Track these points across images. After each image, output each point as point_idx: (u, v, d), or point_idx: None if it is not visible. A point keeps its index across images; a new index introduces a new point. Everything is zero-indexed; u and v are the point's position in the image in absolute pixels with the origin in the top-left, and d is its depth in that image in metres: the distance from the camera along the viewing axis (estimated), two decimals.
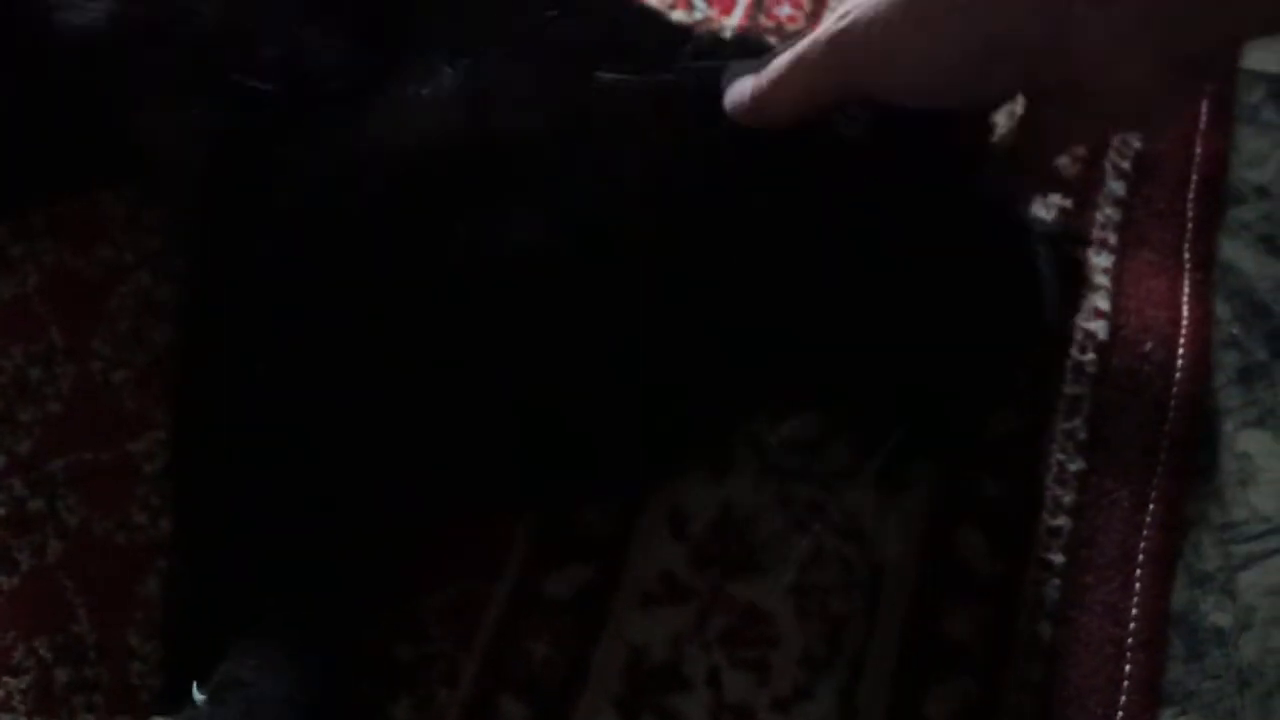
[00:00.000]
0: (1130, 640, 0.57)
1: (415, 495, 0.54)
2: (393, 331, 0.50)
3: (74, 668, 0.55)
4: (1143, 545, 0.58)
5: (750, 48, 0.53)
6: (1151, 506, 0.59)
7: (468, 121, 0.51)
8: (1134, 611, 0.57)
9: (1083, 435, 0.60)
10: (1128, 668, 0.56)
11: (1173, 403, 0.60)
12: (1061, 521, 0.58)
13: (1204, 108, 0.69)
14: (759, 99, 0.49)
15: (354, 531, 0.53)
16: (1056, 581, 0.58)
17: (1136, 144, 0.68)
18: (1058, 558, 0.58)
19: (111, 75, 0.55)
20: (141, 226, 0.65)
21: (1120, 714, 0.55)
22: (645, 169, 0.50)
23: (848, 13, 0.46)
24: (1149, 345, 0.61)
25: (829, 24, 0.47)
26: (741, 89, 0.50)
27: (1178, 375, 0.61)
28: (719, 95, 0.50)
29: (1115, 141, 0.67)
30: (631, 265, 0.50)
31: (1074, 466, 0.60)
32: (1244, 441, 0.61)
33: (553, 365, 0.50)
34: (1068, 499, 0.59)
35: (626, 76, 0.50)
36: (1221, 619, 0.57)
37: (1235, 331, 0.63)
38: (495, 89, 0.51)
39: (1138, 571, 0.58)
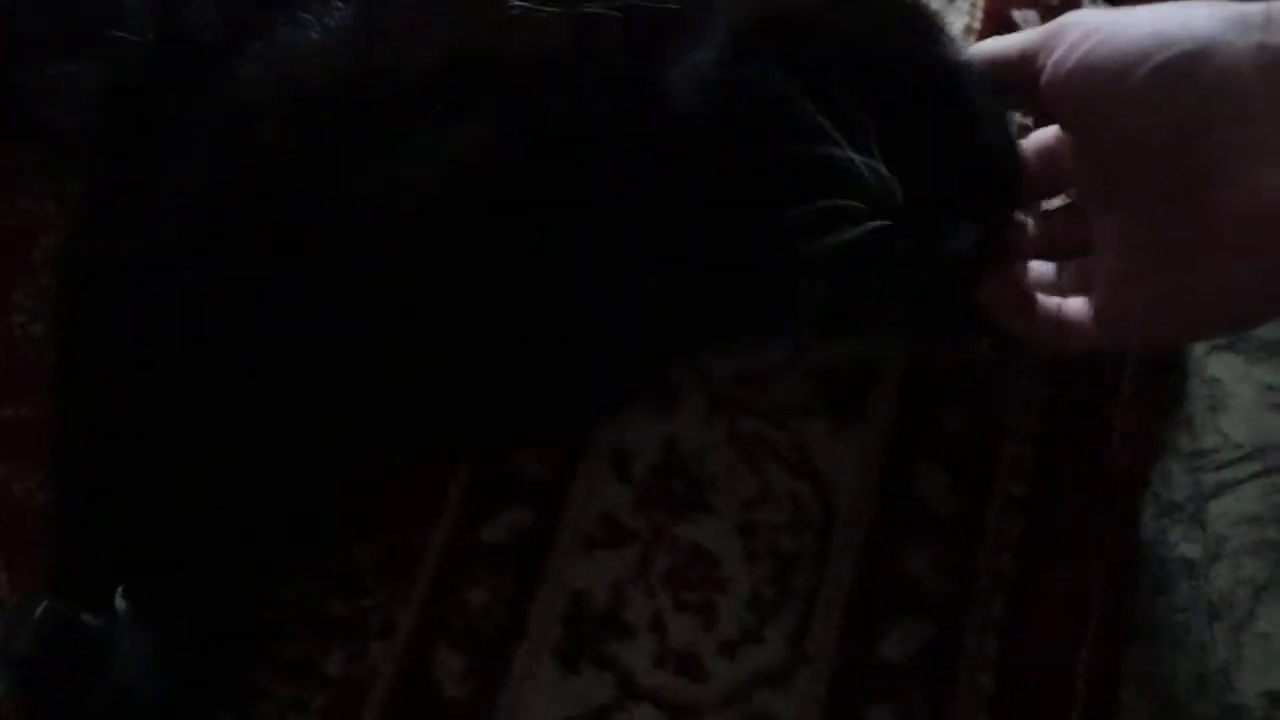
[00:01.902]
0: (1096, 574, 0.54)
1: (341, 443, 0.51)
2: (296, 280, 0.47)
3: None
4: (1108, 475, 0.56)
5: None
6: (1116, 435, 0.56)
7: (358, 62, 0.48)
8: (1100, 544, 0.55)
9: (1044, 361, 0.57)
10: (1093, 601, 0.54)
11: None
12: (1024, 451, 0.56)
13: None
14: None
15: (276, 488, 0.50)
16: (1019, 515, 0.55)
17: None
18: (1020, 490, 0.55)
19: None
20: (63, 176, 0.62)
21: (1085, 650, 0.53)
22: (566, 103, 0.47)
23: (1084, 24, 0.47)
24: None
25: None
26: None
27: None
28: (651, 30, 0.47)
29: None
30: (556, 200, 0.47)
31: (1037, 391, 0.57)
32: (1214, 366, 0.58)
33: (469, 305, 0.47)
34: (1031, 429, 0.56)
35: (542, 7, 0.47)
36: (1191, 550, 0.55)
37: None
38: (388, 25, 0.48)
39: (1104, 503, 0.55)
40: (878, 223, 0.44)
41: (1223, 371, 0.58)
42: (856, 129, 0.44)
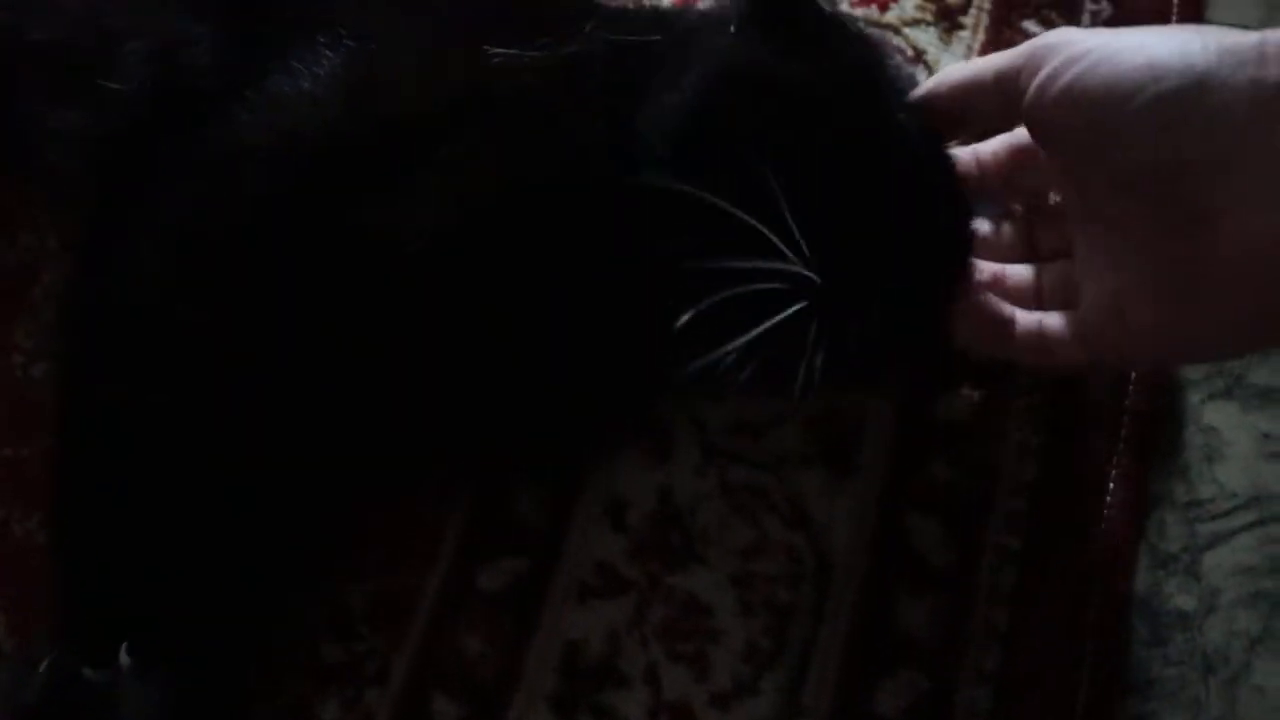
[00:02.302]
0: (1090, 627, 0.54)
1: (338, 482, 0.52)
2: (286, 324, 0.48)
3: None
4: (1104, 526, 0.56)
5: (664, 23, 0.50)
6: (1112, 485, 0.56)
7: (347, 111, 0.48)
8: (1093, 597, 0.55)
9: (1042, 411, 0.57)
10: (1087, 655, 0.54)
11: (1134, 375, 0.57)
12: (1020, 504, 0.56)
13: None
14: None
15: (275, 530, 0.51)
16: (1013, 567, 0.55)
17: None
18: (1014, 542, 0.55)
19: None
20: (65, 214, 0.62)
21: (1079, 704, 0.53)
22: (551, 143, 0.47)
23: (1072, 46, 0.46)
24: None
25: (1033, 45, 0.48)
26: None
27: None
28: (633, 68, 0.47)
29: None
30: (543, 240, 0.47)
31: (1034, 443, 0.57)
32: (1210, 414, 0.58)
33: (453, 344, 0.48)
34: (1025, 477, 0.56)
35: (521, 52, 0.47)
36: (1185, 602, 0.55)
37: None
38: (377, 74, 0.49)
39: (1097, 555, 0.55)
40: (794, 307, 0.44)
41: (1219, 420, 0.58)
42: (786, 202, 0.44)
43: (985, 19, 0.65)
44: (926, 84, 0.51)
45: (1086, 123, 0.45)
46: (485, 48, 0.47)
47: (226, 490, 0.49)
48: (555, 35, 0.48)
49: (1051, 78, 0.45)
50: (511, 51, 0.48)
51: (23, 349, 0.59)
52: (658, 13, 0.52)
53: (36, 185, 0.61)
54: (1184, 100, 0.42)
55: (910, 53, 0.64)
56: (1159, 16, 0.64)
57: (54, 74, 0.52)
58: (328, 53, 0.48)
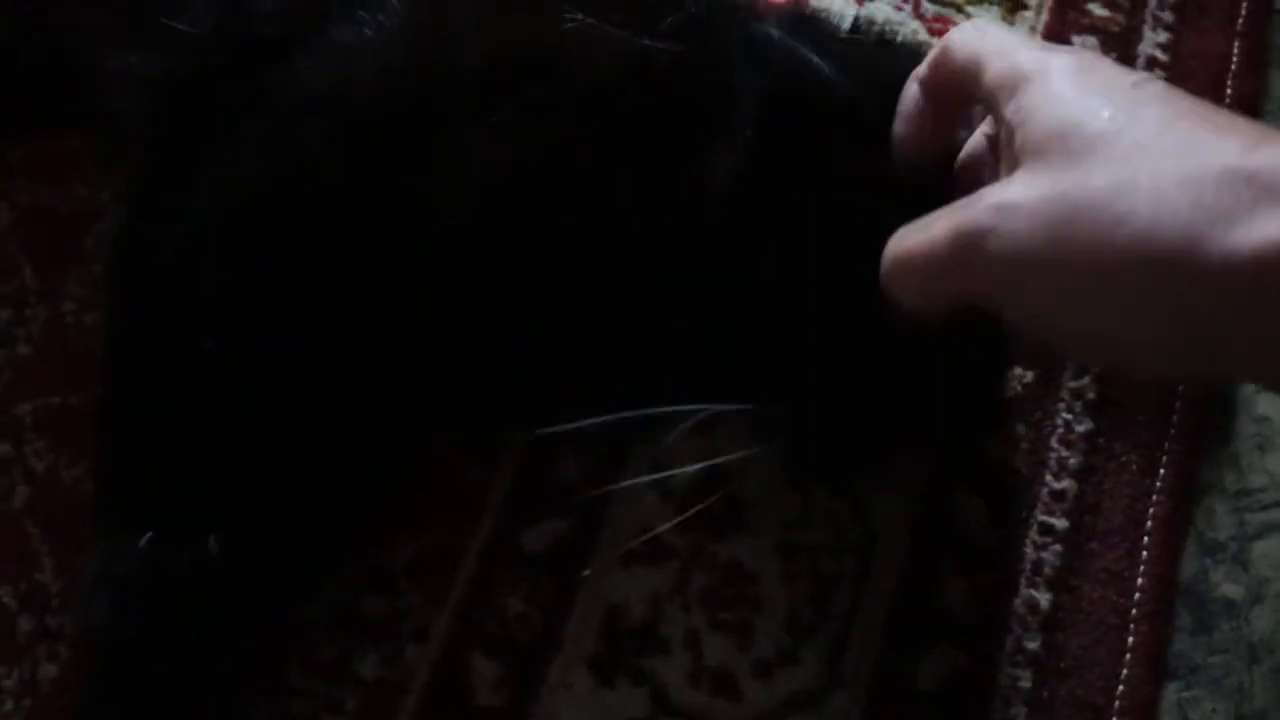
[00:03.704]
0: (1135, 611, 0.54)
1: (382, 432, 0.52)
2: (345, 276, 0.48)
3: (37, 616, 0.54)
4: (1151, 511, 0.56)
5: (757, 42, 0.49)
6: (1162, 471, 0.56)
7: (408, 61, 0.48)
8: (1140, 581, 0.54)
9: (1091, 394, 0.57)
10: (1131, 640, 0.53)
11: None
12: (1066, 485, 0.56)
13: (1235, 48, 0.65)
14: (885, 274, 0.41)
15: (320, 480, 0.51)
16: (1058, 548, 0.55)
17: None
18: (1061, 523, 0.55)
19: (57, 19, 0.53)
20: (117, 163, 0.63)
21: (1121, 688, 0.53)
22: (607, 123, 0.47)
23: (991, 205, 0.37)
24: None
25: (971, 207, 0.38)
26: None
27: None
28: (706, 75, 0.47)
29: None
30: (599, 211, 0.47)
31: (1081, 427, 0.57)
32: (1264, 404, 0.58)
33: (512, 305, 0.48)
34: (1073, 461, 0.56)
35: (599, 22, 0.47)
36: (1232, 590, 0.55)
37: None
38: (441, 26, 0.49)
39: (1145, 539, 0.55)
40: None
41: (1272, 410, 0.58)
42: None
43: None
44: (950, 38, 0.44)
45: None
46: (562, 12, 0.47)
47: (267, 446, 0.49)
48: (639, 17, 0.47)
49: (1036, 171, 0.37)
50: (588, 20, 0.47)
51: (74, 297, 0.59)
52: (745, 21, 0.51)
53: (92, 132, 0.61)
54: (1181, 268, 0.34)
55: None
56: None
57: (119, 13, 0.51)
58: (394, 2, 0.48)
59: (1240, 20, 0.65)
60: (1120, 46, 0.65)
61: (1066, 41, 0.65)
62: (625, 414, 0.47)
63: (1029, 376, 0.57)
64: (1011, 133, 0.38)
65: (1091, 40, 0.66)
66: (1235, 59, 0.65)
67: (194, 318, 0.49)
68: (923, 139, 0.45)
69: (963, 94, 0.43)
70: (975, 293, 0.39)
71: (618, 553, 0.53)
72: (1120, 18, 0.66)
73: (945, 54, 0.43)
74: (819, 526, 0.54)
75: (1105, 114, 0.36)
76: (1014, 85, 0.38)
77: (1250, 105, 0.64)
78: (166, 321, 0.50)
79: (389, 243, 0.48)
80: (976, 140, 0.46)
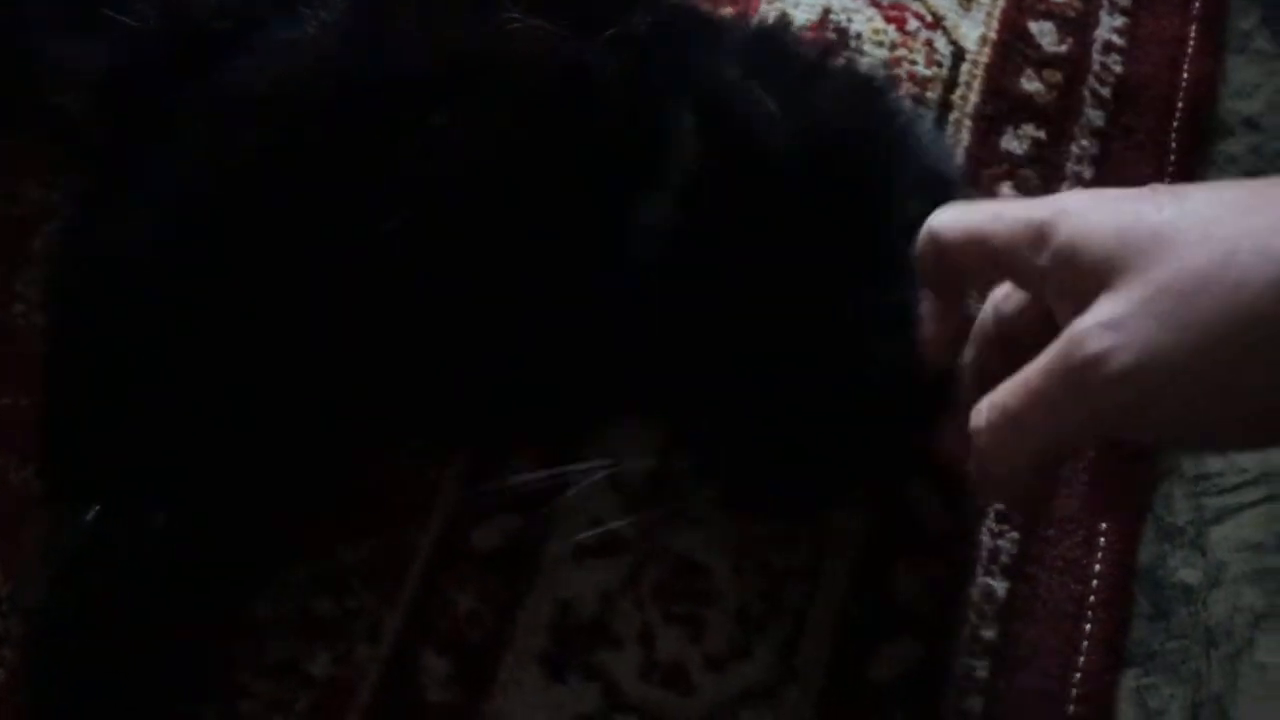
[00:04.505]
0: (1092, 598, 0.54)
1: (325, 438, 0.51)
2: (285, 278, 0.47)
3: None
4: (1109, 497, 0.55)
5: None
6: (1119, 456, 0.55)
7: (350, 62, 0.47)
8: (1097, 568, 0.54)
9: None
10: (1088, 627, 0.53)
11: None
12: None
13: (1192, 32, 0.64)
14: (985, 448, 0.38)
15: (266, 463, 0.50)
16: (1015, 535, 0.54)
17: (1118, 69, 0.63)
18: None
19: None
20: (70, 167, 0.62)
21: (1078, 676, 0.52)
22: (549, 130, 0.46)
23: (1095, 327, 0.35)
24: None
25: (1073, 338, 0.35)
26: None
27: None
28: (654, 81, 0.46)
29: (1094, 65, 0.63)
30: (536, 214, 0.46)
31: None
32: None
33: (457, 305, 0.47)
34: None
35: (542, 24, 0.46)
36: (1190, 576, 0.54)
37: None
38: (383, 25, 0.48)
39: (1102, 525, 0.55)
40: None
41: None
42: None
43: None
44: (931, 224, 0.42)
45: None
46: (507, 12, 0.46)
47: (210, 447, 0.48)
48: (587, 23, 0.47)
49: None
50: (534, 21, 0.47)
51: (24, 298, 0.59)
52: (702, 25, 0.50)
53: (42, 134, 0.61)
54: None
55: (929, 19, 0.63)
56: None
57: (63, 5, 0.51)
58: (336, 0, 0.48)
59: (1196, 4, 0.65)
60: (1077, 31, 0.65)
61: (1023, 27, 0.65)
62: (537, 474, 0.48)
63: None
64: (1060, 276, 0.37)
65: (1049, 26, 0.65)
66: (1191, 42, 0.64)
67: (139, 313, 0.49)
68: (936, 328, 0.44)
69: (962, 277, 0.42)
70: (1098, 425, 0.37)
71: (588, 536, 0.53)
72: (1077, 2, 0.66)
73: (934, 243, 0.41)
74: (773, 520, 0.54)
75: (1157, 209, 0.35)
76: (1036, 237, 0.37)
77: (1207, 89, 0.64)
78: (112, 316, 0.50)
79: (325, 242, 0.48)
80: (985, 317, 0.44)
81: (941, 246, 0.41)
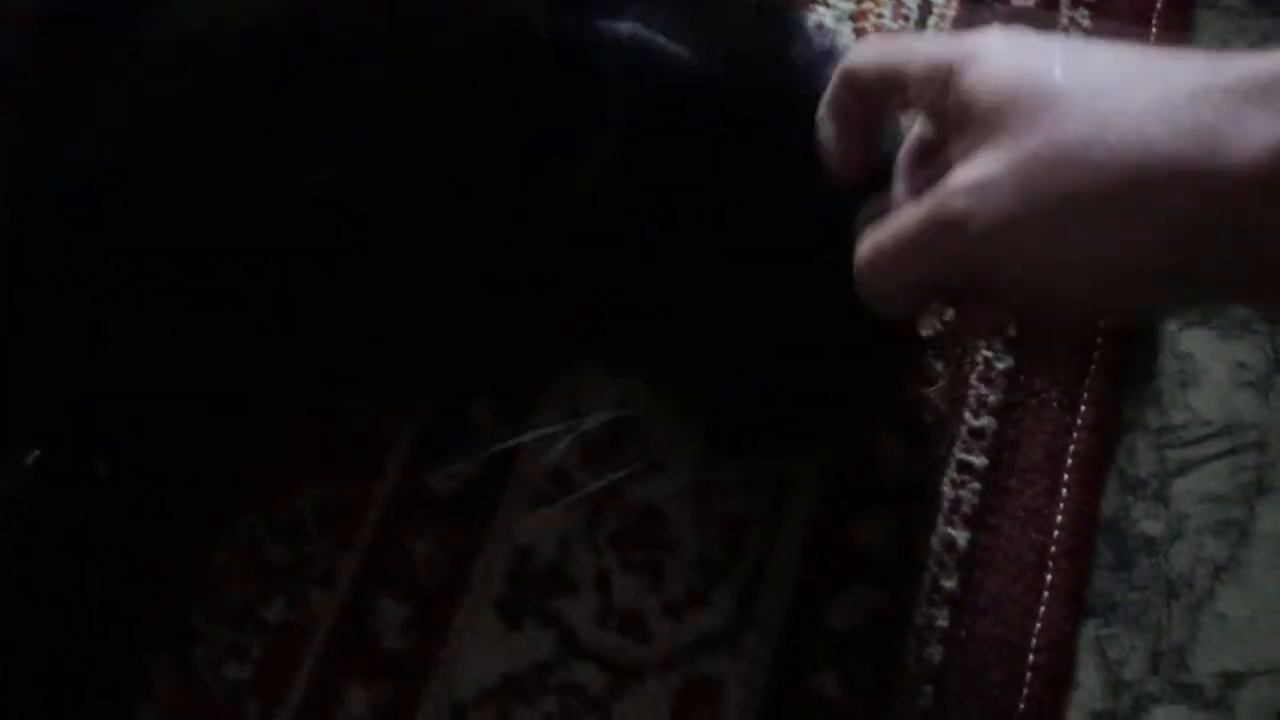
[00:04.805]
0: (1054, 549, 0.53)
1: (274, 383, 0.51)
2: (222, 222, 0.46)
3: None
4: (1072, 449, 0.55)
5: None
6: (1083, 408, 0.55)
7: (282, 9, 0.47)
8: (1059, 518, 0.54)
9: (1010, 330, 0.56)
10: (1049, 577, 0.53)
11: None
12: (985, 422, 0.55)
13: None
14: (860, 274, 0.40)
15: (209, 406, 0.50)
16: (977, 485, 0.54)
17: (1086, 23, 0.63)
18: (979, 460, 0.54)
19: None
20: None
21: (1039, 626, 0.52)
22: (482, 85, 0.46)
23: (961, 189, 0.36)
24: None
25: (942, 195, 0.36)
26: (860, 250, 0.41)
27: None
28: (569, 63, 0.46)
29: (1063, 20, 0.63)
30: (469, 163, 0.46)
31: (1001, 364, 0.56)
32: (1186, 341, 0.57)
33: (400, 251, 0.46)
34: (993, 398, 0.55)
35: None
36: (1152, 527, 0.54)
37: None
38: None
39: (1065, 476, 0.54)
40: None
41: (1195, 347, 0.57)
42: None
43: None
44: (848, 59, 0.43)
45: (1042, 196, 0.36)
46: None
47: (152, 390, 0.48)
48: None
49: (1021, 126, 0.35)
50: None
51: None
52: None
53: None
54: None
55: None
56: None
57: None
58: None
59: None
60: None
61: None
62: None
63: (948, 314, 0.56)
64: (958, 120, 0.37)
65: None
66: None
67: (77, 255, 0.48)
68: (843, 159, 0.44)
69: (879, 108, 0.42)
70: (960, 277, 0.39)
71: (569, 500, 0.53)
72: None
73: (852, 73, 0.42)
74: (731, 467, 0.53)
75: (1054, 71, 0.35)
76: (945, 76, 0.37)
77: (1176, 43, 0.63)
78: (50, 259, 0.49)
79: (263, 187, 0.47)
80: (908, 148, 0.44)
81: (855, 80, 0.42)
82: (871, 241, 0.40)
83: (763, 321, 0.46)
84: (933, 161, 0.40)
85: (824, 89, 0.43)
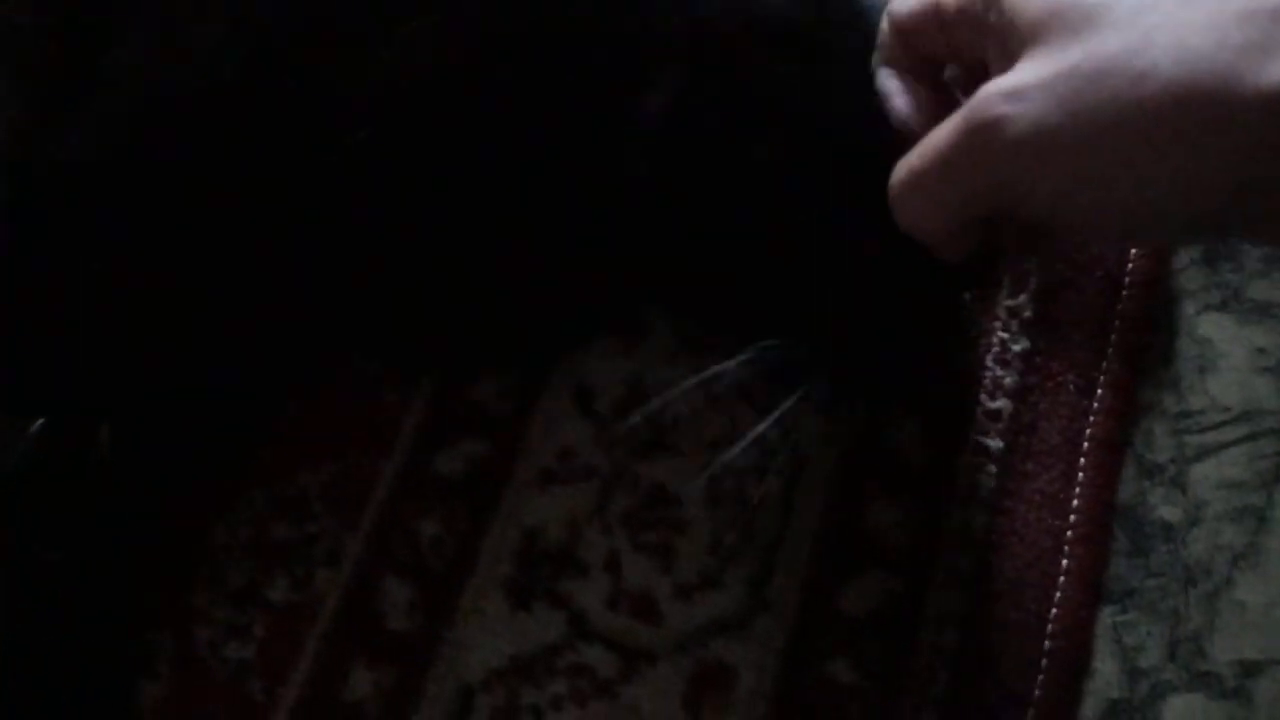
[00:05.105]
0: (1070, 533, 0.52)
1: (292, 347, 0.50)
2: (247, 188, 0.45)
3: None
4: (1089, 432, 0.54)
5: None
6: (1100, 391, 0.54)
7: None
8: (1076, 503, 0.53)
9: (1028, 313, 0.55)
10: (1065, 562, 0.52)
11: (1127, 280, 0.55)
12: (1001, 404, 0.54)
13: None
14: (895, 197, 0.39)
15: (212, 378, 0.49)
16: (993, 469, 0.53)
17: None
18: (996, 443, 0.53)
19: None
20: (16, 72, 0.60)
21: (1055, 611, 0.51)
22: (525, 46, 0.45)
23: (999, 94, 0.35)
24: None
25: (978, 101, 0.36)
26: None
27: (1133, 251, 0.56)
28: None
29: None
30: (502, 127, 0.45)
31: (1018, 346, 0.55)
32: (1205, 326, 0.56)
33: (426, 217, 0.45)
34: (1009, 381, 0.54)
35: None
36: (1170, 513, 0.53)
37: None
38: None
39: (1082, 460, 0.53)
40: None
41: (1214, 332, 0.56)
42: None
43: None
44: (891, 5, 0.43)
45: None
46: None
47: (157, 360, 0.47)
48: None
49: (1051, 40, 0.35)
50: None
51: None
52: None
53: None
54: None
55: None
56: None
57: None
58: None
59: None
60: None
61: None
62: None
63: (965, 296, 0.55)
64: (1000, 36, 0.37)
65: None
66: None
67: (88, 221, 0.47)
68: (902, 111, 0.43)
69: (928, 54, 0.42)
70: (995, 191, 0.37)
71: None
72: None
73: (891, 24, 0.42)
74: (745, 448, 0.52)
75: None
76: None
77: None
78: (59, 225, 0.48)
79: (290, 149, 0.46)
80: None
81: (899, 25, 0.42)
82: (905, 162, 0.39)
83: (828, 265, 0.44)
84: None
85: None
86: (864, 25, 0.45)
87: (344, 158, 0.45)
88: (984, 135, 0.36)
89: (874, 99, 0.43)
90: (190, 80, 0.47)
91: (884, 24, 0.43)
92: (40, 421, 0.45)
